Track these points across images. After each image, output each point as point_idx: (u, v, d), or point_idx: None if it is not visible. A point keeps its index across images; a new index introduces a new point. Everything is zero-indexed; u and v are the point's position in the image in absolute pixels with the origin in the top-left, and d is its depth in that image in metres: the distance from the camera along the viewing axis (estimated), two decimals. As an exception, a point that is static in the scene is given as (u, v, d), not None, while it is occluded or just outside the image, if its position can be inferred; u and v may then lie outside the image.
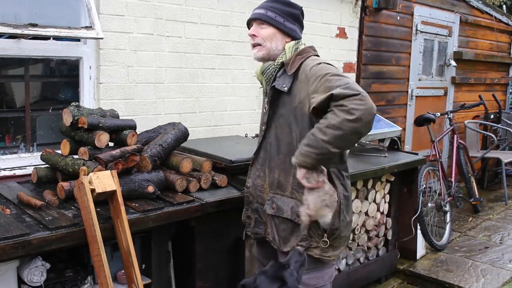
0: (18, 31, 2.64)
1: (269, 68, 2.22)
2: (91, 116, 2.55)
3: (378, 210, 3.83)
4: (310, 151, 1.94)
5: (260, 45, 2.21)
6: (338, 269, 3.48)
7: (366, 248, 3.81)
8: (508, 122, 7.01)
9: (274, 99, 2.20)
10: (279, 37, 2.21)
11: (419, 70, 5.87)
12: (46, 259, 2.16)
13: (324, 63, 2.09)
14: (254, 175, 2.34)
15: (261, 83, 2.30)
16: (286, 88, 2.13)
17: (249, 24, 2.30)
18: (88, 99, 3.07)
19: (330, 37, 4.60)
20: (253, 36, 2.23)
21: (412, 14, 5.56)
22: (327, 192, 2.00)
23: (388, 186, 3.91)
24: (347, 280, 3.56)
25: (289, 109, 2.16)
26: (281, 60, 2.19)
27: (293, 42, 2.22)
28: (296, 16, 2.25)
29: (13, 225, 2.01)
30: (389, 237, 4.01)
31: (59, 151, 2.65)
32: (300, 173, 1.99)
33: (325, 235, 2.13)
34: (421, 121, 5.16)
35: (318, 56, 2.22)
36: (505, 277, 4.04)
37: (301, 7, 2.28)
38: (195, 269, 2.62)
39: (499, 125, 6.92)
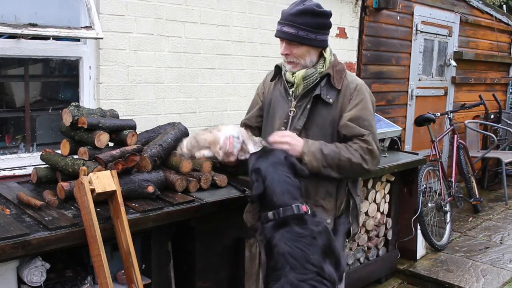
0: (18, 31, 2.63)
1: (312, 76, 2.21)
2: (91, 116, 2.55)
3: (378, 210, 3.84)
4: (321, 160, 2.11)
5: (293, 62, 2.20)
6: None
7: (366, 248, 3.81)
8: (508, 122, 7.01)
9: (314, 106, 2.20)
10: (312, 52, 2.20)
11: (419, 70, 5.86)
12: (46, 259, 2.16)
13: (364, 87, 2.26)
14: None
15: (294, 86, 2.24)
16: (331, 100, 2.18)
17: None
18: (88, 99, 3.07)
19: (330, 37, 4.55)
20: (286, 55, 2.19)
21: (412, 14, 5.56)
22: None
23: (388, 186, 3.91)
24: (347, 280, 3.55)
25: (327, 119, 2.19)
26: (322, 69, 2.20)
27: (328, 51, 2.25)
28: (328, 25, 2.21)
29: (12, 225, 2.01)
30: (389, 237, 4.01)
31: (59, 151, 2.65)
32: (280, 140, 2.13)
33: (347, 239, 2.31)
34: (421, 121, 5.16)
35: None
36: (505, 277, 4.04)
37: (330, 12, 2.21)
38: (195, 269, 2.62)
39: (499, 125, 6.91)
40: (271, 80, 2.40)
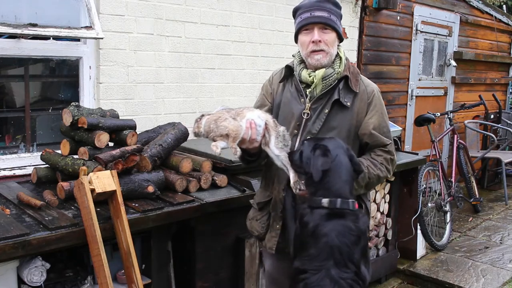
0: (18, 31, 2.64)
1: (331, 76, 2.13)
2: (91, 116, 2.55)
3: (378, 210, 3.84)
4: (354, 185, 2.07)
5: (324, 51, 2.10)
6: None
7: (366, 248, 3.81)
8: (508, 122, 7.01)
9: (330, 110, 2.13)
10: (336, 43, 2.16)
11: (419, 70, 5.87)
12: (46, 259, 2.16)
13: (379, 92, 2.24)
14: None
15: (312, 87, 2.14)
16: (348, 104, 2.12)
17: (302, 27, 2.14)
18: (88, 99, 3.07)
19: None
20: (318, 42, 2.09)
21: (412, 14, 5.56)
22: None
23: (388, 186, 3.91)
24: (347, 280, 3.56)
25: (343, 123, 2.13)
26: (339, 70, 2.14)
27: (342, 50, 2.20)
28: (341, 17, 2.19)
29: (13, 225, 2.01)
30: (389, 237, 4.01)
31: (59, 151, 2.65)
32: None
33: None
34: (421, 121, 5.16)
35: None
36: (505, 277, 4.04)
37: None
38: (195, 269, 2.62)
39: (499, 125, 6.91)
40: (280, 81, 2.29)
